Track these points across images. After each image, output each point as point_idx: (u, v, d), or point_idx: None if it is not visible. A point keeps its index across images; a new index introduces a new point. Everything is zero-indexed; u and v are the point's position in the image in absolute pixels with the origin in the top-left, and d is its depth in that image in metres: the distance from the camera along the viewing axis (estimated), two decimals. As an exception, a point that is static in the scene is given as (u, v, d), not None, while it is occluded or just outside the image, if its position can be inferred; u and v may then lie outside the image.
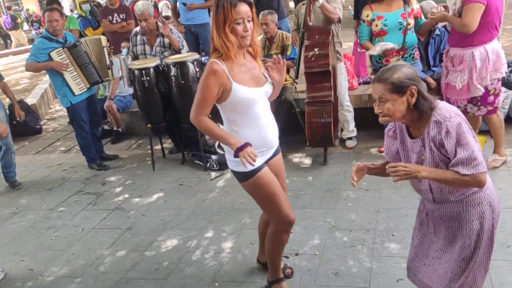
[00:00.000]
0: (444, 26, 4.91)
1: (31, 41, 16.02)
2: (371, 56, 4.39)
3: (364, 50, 4.84)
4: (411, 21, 4.15)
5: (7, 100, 5.36)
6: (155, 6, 11.23)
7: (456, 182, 1.93)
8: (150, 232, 3.84)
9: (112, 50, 5.64)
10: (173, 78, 4.70)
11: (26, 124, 6.74)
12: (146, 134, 5.70)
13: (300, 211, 3.73)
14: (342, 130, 5.01)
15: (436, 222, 2.20)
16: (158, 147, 5.44)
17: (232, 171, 2.60)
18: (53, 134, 6.95)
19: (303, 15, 4.46)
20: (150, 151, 5.22)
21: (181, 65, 4.66)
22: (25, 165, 5.70)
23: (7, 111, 5.19)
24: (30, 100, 7.62)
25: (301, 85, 4.92)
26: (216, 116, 2.58)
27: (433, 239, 2.24)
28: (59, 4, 7.18)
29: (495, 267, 2.74)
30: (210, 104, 2.43)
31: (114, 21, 7.00)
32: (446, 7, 4.32)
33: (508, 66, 4.33)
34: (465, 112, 3.93)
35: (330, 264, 3.11)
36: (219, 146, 5.07)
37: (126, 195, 4.58)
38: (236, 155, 2.41)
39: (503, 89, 4.23)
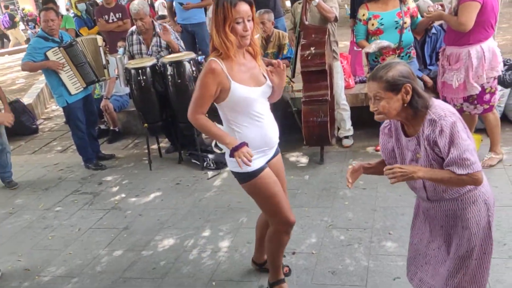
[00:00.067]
0: (440, 25, 4.92)
1: (27, 40, 16.01)
2: (367, 55, 4.39)
3: (360, 49, 4.85)
4: (407, 20, 4.16)
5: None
6: (151, 5, 11.20)
7: (453, 181, 1.93)
8: (147, 231, 3.83)
9: (108, 50, 5.63)
10: (169, 77, 4.69)
11: (22, 124, 6.72)
12: (142, 133, 5.69)
13: (297, 210, 3.72)
14: (338, 129, 5.01)
15: (431, 221, 2.20)
16: (155, 146, 5.44)
17: (232, 172, 2.57)
18: (49, 134, 6.93)
19: (299, 14, 4.46)
20: (146, 151, 5.21)
21: (178, 64, 4.66)
22: (21, 165, 5.68)
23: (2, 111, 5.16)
24: (26, 99, 7.59)
25: (298, 84, 4.92)
26: (214, 116, 2.58)
27: (430, 238, 2.24)
28: (55, 3, 7.16)
29: (491, 265, 2.74)
30: (207, 103, 2.43)
31: (110, 20, 6.99)
32: (442, 6, 4.33)
33: (504, 65, 4.35)
34: (461, 110, 3.94)
35: (327, 262, 3.11)
36: (216, 145, 5.07)
37: (123, 195, 4.58)
38: (231, 154, 2.40)
39: (499, 87, 4.24)
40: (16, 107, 6.54)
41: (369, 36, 4.25)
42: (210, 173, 4.78)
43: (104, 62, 5.23)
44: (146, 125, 5.01)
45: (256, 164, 2.48)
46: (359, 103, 5.10)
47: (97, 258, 3.54)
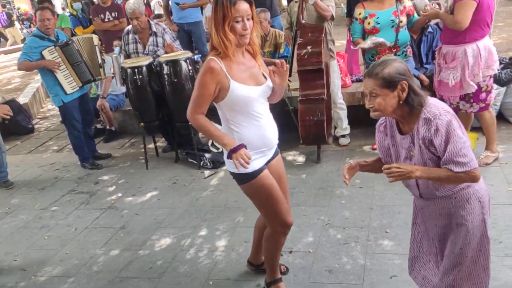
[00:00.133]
0: (437, 24, 4.93)
1: (23, 40, 15.96)
2: (364, 54, 4.40)
3: (357, 48, 4.85)
4: (403, 19, 4.16)
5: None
6: (147, 4, 11.19)
7: (451, 179, 1.93)
8: (144, 231, 3.82)
9: (103, 49, 5.61)
10: (165, 76, 4.68)
11: (18, 124, 6.70)
12: (139, 132, 5.68)
13: (293, 209, 3.70)
14: (335, 128, 5.02)
15: (426, 220, 2.20)
16: (151, 145, 5.43)
17: (231, 173, 2.55)
18: (45, 133, 6.91)
19: (296, 13, 4.46)
20: (143, 150, 5.21)
21: (174, 63, 4.64)
22: (17, 164, 5.66)
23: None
24: (22, 99, 7.57)
25: (294, 83, 4.92)
26: (212, 115, 2.57)
27: (428, 236, 2.24)
28: (50, 2, 7.14)
29: (487, 263, 2.76)
30: (207, 102, 2.41)
31: (106, 20, 6.97)
32: (439, 4, 4.34)
33: (500, 63, 4.36)
34: (457, 109, 3.95)
35: (324, 261, 3.11)
36: (212, 144, 5.07)
37: (119, 194, 4.57)
38: (229, 156, 2.38)
39: (495, 86, 4.25)
40: (12, 107, 6.48)
41: (366, 35, 4.25)
42: (206, 172, 4.77)
43: (100, 61, 5.22)
44: (142, 124, 5.00)
45: (255, 165, 2.46)
46: (355, 102, 5.10)
47: (93, 257, 3.54)
